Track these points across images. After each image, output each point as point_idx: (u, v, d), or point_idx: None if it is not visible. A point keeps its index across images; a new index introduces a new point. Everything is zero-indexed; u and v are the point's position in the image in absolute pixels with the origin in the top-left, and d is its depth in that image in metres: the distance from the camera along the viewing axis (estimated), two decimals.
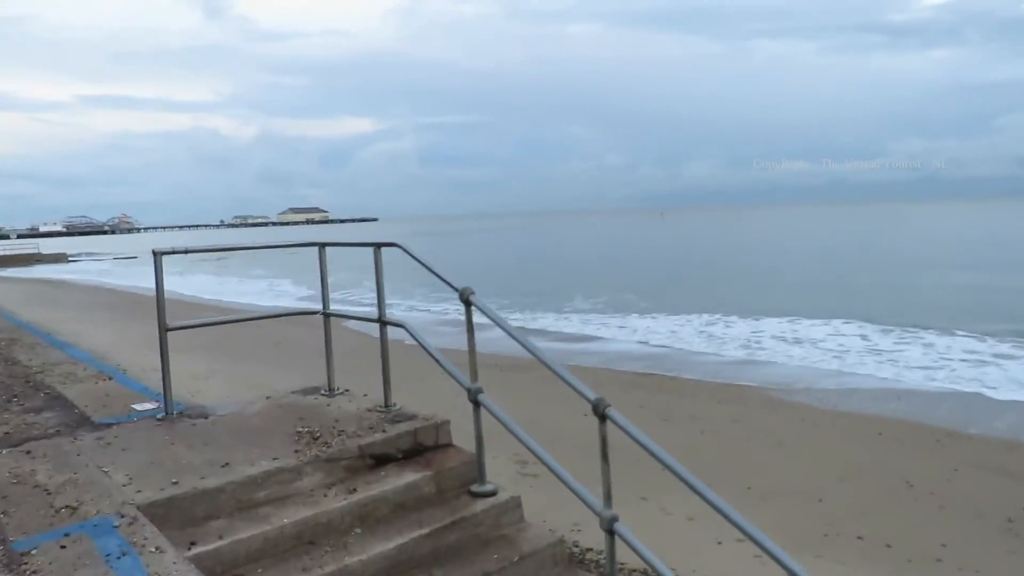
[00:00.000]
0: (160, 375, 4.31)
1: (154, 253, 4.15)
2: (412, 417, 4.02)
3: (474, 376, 3.62)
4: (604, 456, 3.01)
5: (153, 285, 4.13)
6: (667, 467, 2.75)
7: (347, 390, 4.67)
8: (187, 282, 32.49)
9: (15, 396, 4.94)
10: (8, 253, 61.61)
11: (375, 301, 4.32)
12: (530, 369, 12.09)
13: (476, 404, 3.60)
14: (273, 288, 32.90)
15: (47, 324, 12.58)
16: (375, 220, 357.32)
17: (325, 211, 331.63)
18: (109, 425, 4.12)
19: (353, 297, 25.56)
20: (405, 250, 3.91)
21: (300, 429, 3.83)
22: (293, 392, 4.68)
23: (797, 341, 16.18)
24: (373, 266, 4.09)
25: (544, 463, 3.29)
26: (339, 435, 3.73)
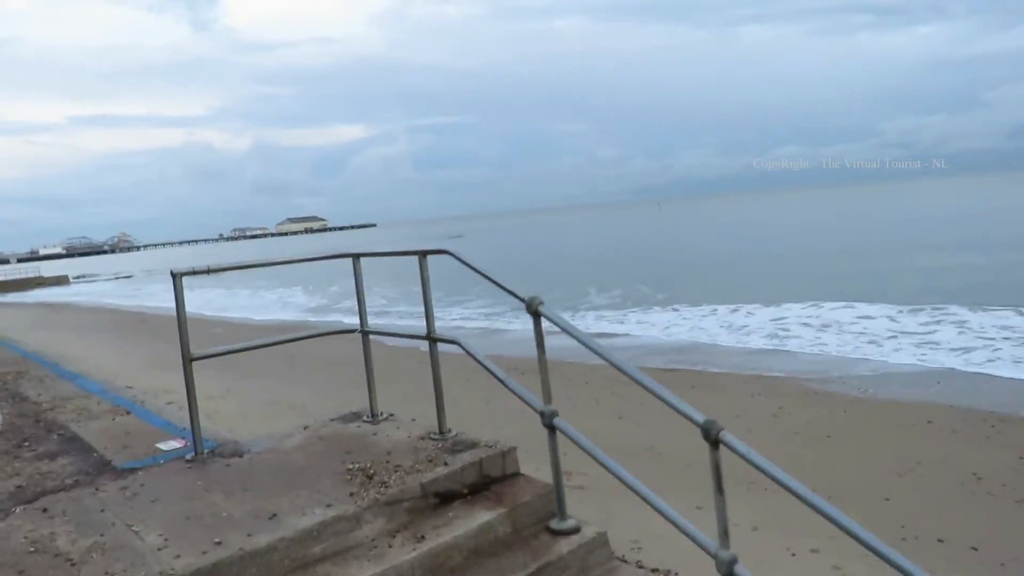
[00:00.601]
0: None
1: (173, 275, 3.71)
2: (474, 445, 3.55)
3: (547, 397, 3.17)
4: (719, 488, 2.57)
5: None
6: (805, 501, 2.29)
7: (392, 415, 4.20)
8: (193, 296, 31.66)
9: (26, 440, 4.48)
10: (9, 278, 61.09)
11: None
12: (550, 369, 11.67)
13: (552, 429, 3.14)
14: (283, 299, 32.12)
15: (52, 349, 12.17)
16: (373, 226, 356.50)
17: (323, 219, 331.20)
18: (134, 470, 3.67)
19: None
20: (457, 257, 3.46)
21: (350, 466, 3.36)
22: (332, 420, 4.21)
23: (824, 327, 15.72)
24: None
25: (640, 495, 2.85)
26: (396, 471, 3.26)
